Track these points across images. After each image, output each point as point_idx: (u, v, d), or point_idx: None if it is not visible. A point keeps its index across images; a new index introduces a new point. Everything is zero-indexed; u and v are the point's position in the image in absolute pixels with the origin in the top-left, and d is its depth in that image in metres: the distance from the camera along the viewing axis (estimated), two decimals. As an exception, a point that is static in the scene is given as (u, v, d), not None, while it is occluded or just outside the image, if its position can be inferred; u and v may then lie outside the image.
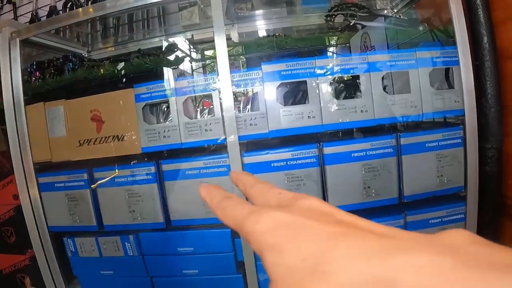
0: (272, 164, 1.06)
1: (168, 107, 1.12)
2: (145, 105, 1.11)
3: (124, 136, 1.12)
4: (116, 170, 1.12)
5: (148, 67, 1.13)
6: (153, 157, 1.14)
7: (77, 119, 1.18)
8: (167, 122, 1.11)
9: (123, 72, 1.16)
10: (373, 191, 1.03)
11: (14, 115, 1.22)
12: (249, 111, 1.09)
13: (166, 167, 1.12)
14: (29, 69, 1.28)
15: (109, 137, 1.14)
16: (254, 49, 1.19)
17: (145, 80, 1.11)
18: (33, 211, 1.26)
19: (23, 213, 1.26)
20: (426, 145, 1.04)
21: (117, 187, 1.15)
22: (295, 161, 1.05)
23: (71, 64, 1.23)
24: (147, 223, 1.13)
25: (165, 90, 1.10)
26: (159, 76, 1.14)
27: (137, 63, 1.14)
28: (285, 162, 1.06)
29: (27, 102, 1.24)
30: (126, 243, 1.16)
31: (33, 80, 1.26)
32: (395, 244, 0.19)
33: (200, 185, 0.31)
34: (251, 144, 1.12)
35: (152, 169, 1.12)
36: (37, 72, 1.26)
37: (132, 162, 1.12)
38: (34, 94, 1.27)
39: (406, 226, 1.07)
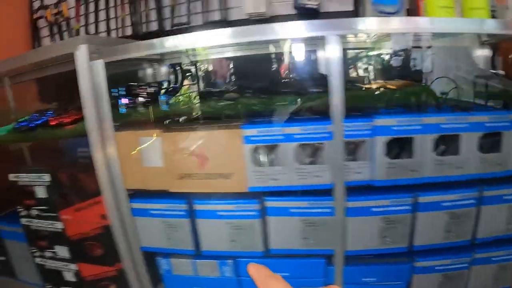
0: (372, 209, 0.96)
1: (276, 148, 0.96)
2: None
3: (230, 174, 0.96)
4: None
5: (255, 109, 0.94)
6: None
7: (178, 152, 0.99)
8: (277, 167, 0.95)
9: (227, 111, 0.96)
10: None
11: (101, 141, 1.02)
12: (355, 160, 0.96)
13: (270, 204, 0.98)
14: (117, 93, 1.02)
15: (214, 174, 0.98)
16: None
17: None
18: (123, 233, 1.08)
19: (113, 233, 1.09)
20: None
21: (219, 219, 1.01)
22: (393, 207, 0.97)
23: (166, 96, 0.99)
24: (246, 251, 1.01)
25: (276, 135, 0.94)
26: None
27: (245, 103, 0.95)
28: (383, 208, 0.96)
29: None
30: (223, 266, 1.04)
31: (124, 106, 1.01)
32: None
33: (248, 264, 0.32)
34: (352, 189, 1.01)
35: (256, 206, 0.98)
36: (126, 99, 1.01)
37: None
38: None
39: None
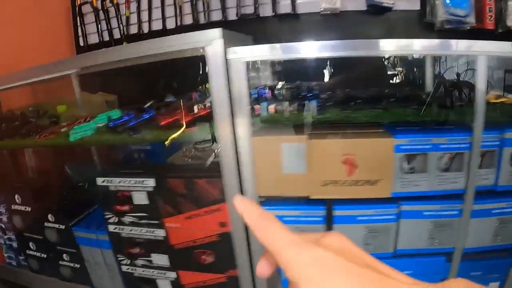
0: (492, 211, 1.00)
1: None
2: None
3: (377, 181, 0.92)
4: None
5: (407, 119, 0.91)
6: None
7: (324, 159, 0.92)
8: (420, 173, 0.94)
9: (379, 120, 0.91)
10: None
11: (233, 145, 0.93)
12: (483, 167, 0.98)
13: (406, 208, 0.97)
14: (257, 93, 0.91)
15: (361, 181, 0.93)
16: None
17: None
18: (246, 240, 1.00)
19: (234, 238, 1.03)
20: None
21: (357, 224, 0.97)
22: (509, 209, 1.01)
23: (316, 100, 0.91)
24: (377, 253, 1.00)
25: (425, 144, 0.92)
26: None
27: (398, 113, 0.91)
28: (501, 210, 1.00)
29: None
30: None
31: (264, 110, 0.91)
32: None
33: (234, 196, 0.27)
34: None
35: (395, 210, 0.96)
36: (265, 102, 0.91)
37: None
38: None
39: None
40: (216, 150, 1.09)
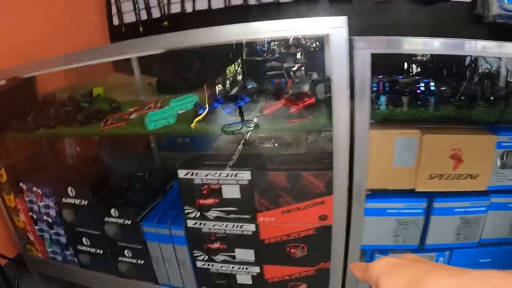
0: None
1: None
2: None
3: (477, 175, 0.88)
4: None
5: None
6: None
7: (433, 153, 0.86)
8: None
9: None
10: None
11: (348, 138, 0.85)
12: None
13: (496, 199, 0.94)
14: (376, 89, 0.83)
15: (463, 175, 0.88)
16: None
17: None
18: (346, 233, 0.92)
19: (333, 231, 0.96)
20: None
21: (453, 216, 0.93)
22: None
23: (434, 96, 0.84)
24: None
25: None
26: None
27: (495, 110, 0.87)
28: None
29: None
30: (440, 257, 0.98)
31: (383, 103, 0.83)
32: (469, 276, 0.23)
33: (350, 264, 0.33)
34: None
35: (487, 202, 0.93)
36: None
37: None
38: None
39: None
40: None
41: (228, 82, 1.38)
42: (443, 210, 0.95)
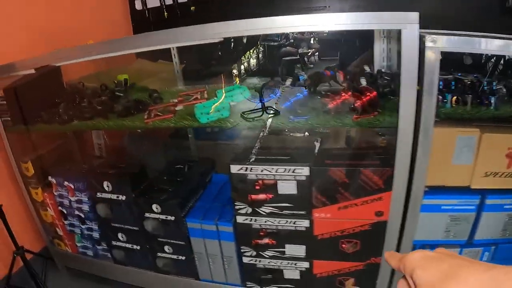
0: None
1: None
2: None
3: None
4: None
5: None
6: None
7: (490, 152, 0.86)
8: None
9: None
10: None
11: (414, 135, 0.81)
12: None
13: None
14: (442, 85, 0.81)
15: None
16: None
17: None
18: (400, 229, 0.92)
19: (388, 227, 0.93)
20: None
21: (503, 212, 0.93)
22: None
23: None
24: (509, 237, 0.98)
25: None
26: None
27: None
28: None
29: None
30: (485, 252, 0.99)
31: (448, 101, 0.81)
32: (499, 270, 0.23)
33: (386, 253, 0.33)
34: None
35: None
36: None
37: None
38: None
39: None
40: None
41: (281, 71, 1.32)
42: (494, 206, 0.95)
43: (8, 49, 1.31)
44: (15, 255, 1.28)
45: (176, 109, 1.01)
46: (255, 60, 1.96)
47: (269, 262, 1.05)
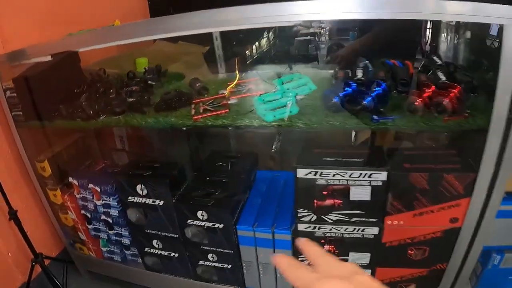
0: None
1: None
2: None
3: None
4: None
5: None
6: None
7: None
8: None
9: None
10: None
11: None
12: None
13: None
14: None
15: None
16: None
17: None
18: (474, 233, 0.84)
19: (461, 233, 0.84)
20: None
21: None
22: None
23: None
24: None
25: None
26: None
27: None
28: None
29: None
30: None
31: None
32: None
33: (273, 256, 0.29)
34: None
35: None
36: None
37: None
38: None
39: None
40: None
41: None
42: None
43: (16, 33, 1.09)
44: (33, 263, 1.13)
45: (229, 102, 0.85)
46: (265, 41, 1.79)
47: (327, 271, 0.95)
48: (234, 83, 0.93)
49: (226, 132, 1.39)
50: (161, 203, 0.98)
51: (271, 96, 0.83)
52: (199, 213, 0.94)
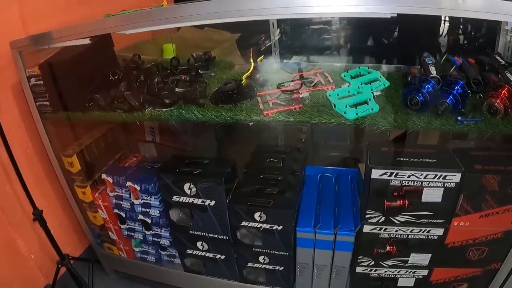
0: None
1: None
2: None
3: None
4: None
5: None
6: None
7: None
8: None
9: None
10: None
11: None
12: None
13: None
14: None
15: None
16: None
17: None
18: None
19: None
20: None
21: None
22: None
23: None
24: None
25: None
26: None
27: None
28: None
29: None
30: None
31: None
32: None
33: None
34: None
35: None
36: None
37: None
38: None
39: None
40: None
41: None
42: None
43: (38, 15, 0.95)
44: (59, 265, 1.01)
45: (302, 96, 0.78)
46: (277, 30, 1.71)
47: (385, 272, 0.93)
48: (297, 74, 0.86)
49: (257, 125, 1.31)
50: (212, 203, 0.90)
51: (345, 91, 0.77)
52: (256, 215, 0.88)
